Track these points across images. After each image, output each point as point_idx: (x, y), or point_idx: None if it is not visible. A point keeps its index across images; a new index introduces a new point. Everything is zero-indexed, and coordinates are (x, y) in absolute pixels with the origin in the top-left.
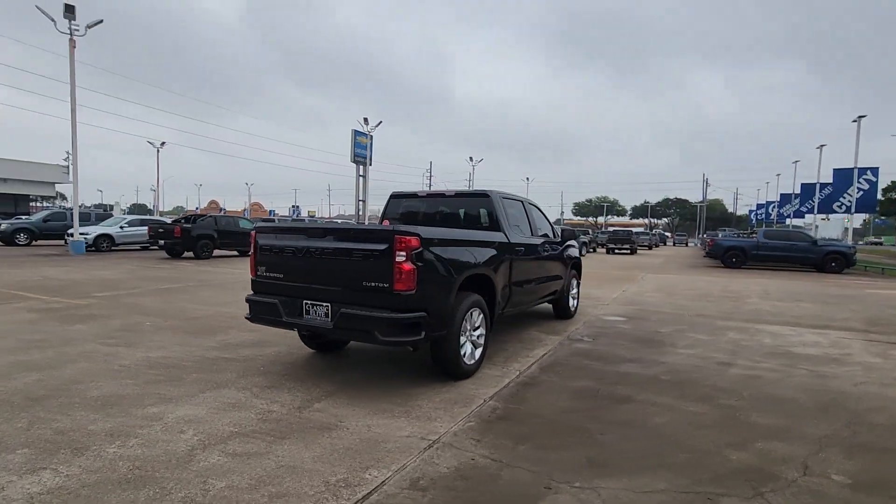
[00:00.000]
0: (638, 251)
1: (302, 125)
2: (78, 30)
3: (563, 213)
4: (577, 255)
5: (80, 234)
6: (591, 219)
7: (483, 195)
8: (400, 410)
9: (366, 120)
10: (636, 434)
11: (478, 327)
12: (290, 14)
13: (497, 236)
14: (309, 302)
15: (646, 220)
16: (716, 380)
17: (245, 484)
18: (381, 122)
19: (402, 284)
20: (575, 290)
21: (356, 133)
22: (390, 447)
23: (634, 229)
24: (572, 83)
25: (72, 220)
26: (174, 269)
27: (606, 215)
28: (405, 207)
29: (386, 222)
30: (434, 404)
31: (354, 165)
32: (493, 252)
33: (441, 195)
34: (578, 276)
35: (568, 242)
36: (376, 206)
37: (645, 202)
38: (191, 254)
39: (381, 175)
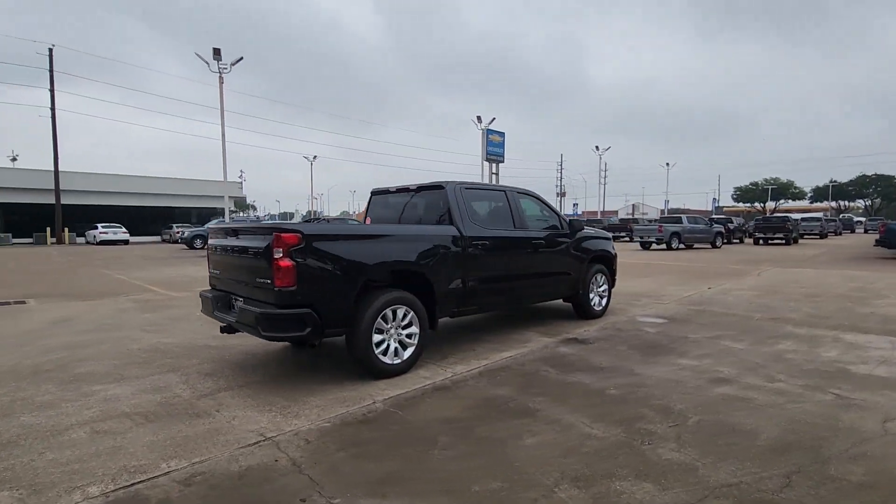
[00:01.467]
0: (801, 240)
1: (443, 129)
2: (225, 68)
3: (717, 198)
4: (603, 250)
5: None
6: (756, 204)
7: (438, 188)
8: (281, 405)
9: (479, 118)
10: (478, 454)
11: (407, 325)
12: (425, 27)
13: (445, 230)
14: (233, 297)
15: (831, 204)
16: (676, 399)
17: (67, 458)
18: (493, 118)
19: (281, 281)
20: (604, 287)
21: (488, 132)
22: (222, 440)
23: (808, 214)
24: (728, 51)
25: None
26: None
27: (777, 199)
28: (382, 204)
29: (368, 220)
30: (322, 402)
31: (488, 164)
32: (431, 246)
33: (406, 190)
34: (608, 273)
35: (584, 235)
36: None
37: (831, 181)
38: None
39: (513, 172)
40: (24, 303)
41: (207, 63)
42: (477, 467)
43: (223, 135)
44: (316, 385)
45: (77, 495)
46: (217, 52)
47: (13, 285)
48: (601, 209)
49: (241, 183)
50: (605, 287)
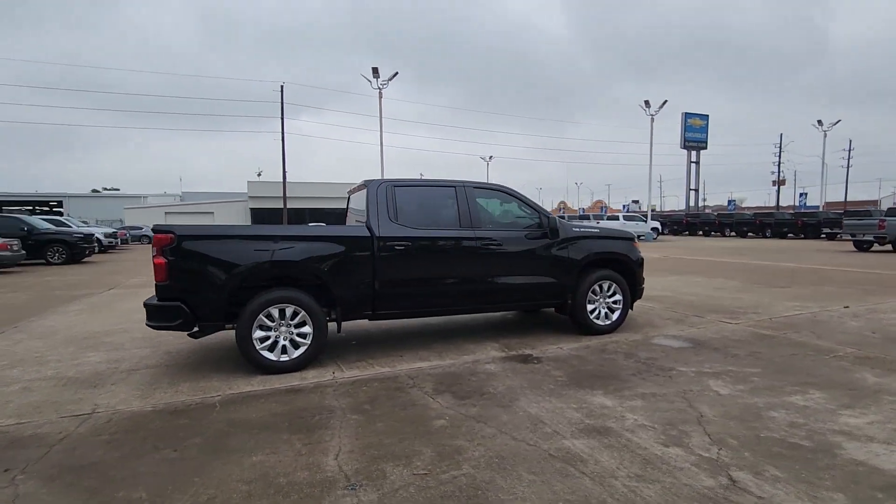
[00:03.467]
0: None
1: (643, 118)
2: (385, 85)
3: None
4: (610, 252)
5: None
6: None
7: (363, 187)
8: (143, 387)
9: (646, 103)
10: (185, 467)
11: (300, 325)
12: (615, 13)
13: (352, 230)
14: None
15: None
16: (486, 449)
17: None
18: (665, 101)
19: (156, 276)
20: (615, 298)
21: (687, 115)
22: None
23: None
24: None
25: None
26: None
27: None
28: (351, 204)
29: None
30: (182, 388)
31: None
32: (328, 247)
33: (355, 189)
34: (623, 280)
35: (575, 235)
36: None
37: None
38: None
39: (718, 160)
40: None
41: (370, 81)
42: (169, 478)
43: (381, 143)
44: (207, 372)
45: None
46: (375, 71)
47: None
48: (844, 198)
49: None
50: (617, 298)
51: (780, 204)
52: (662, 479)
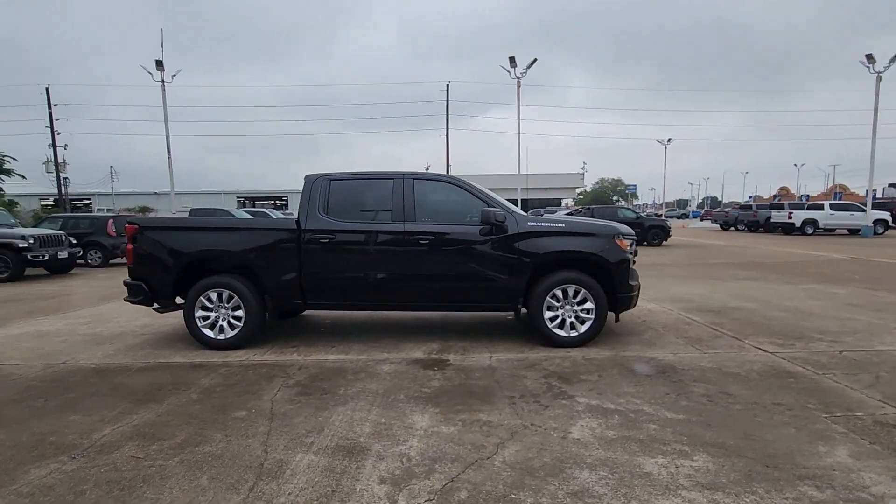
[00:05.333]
0: None
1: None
2: (523, 74)
3: None
4: (576, 251)
5: None
6: None
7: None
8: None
9: (869, 57)
10: None
11: (235, 308)
12: None
13: (282, 223)
14: None
15: None
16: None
17: None
18: None
19: (127, 260)
20: (586, 306)
21: None
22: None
23: None
24: None
25: None
26: None
27: None
28: None
29: None
30: (144, 353)
31: None
32: (259, 238)
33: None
34: (596, 285)
35: (527, 230)
36: None
37: None
38: None
39: None
40: None
41: (509, 72)
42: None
43: (518, 130)
44: (167, 346)
45: None
46: (512, 60)
47: None
48: None
49: (583, 174)
50: (588, 306)
51: None
52: None
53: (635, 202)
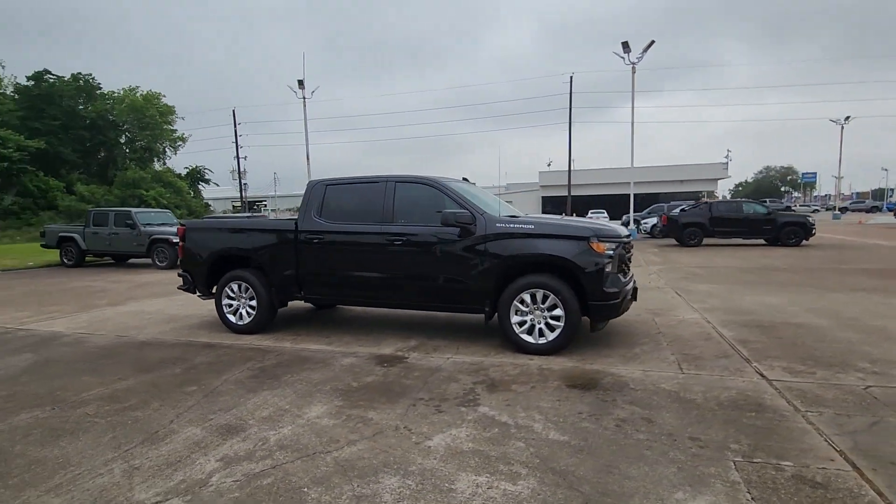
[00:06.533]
0: None
1: None
2: (639, 58)
3: None
4: (547, 255)
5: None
6: None
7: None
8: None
9: None
10: None
11: (251, 298)
12: None
13: (285, 224)
14: None
15: None
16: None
17: None
18: None
19: (179, 254)
20: (556, 312)
21: None
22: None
23: None
24: None
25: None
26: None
27: None
28: None
29: None
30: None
31: None
32: (267, 238)
33: None
34: (563, 291)
35: (497, 232)
36: None
37: None
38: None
39: None
40: None
41: (623, 57)
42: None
43: (632, 119)
44: (201, 329)
45: None
46: (625, 45)
47: None
48: None
49: (727, 164)
50: (558, 312)
51: None
52: None
53: (814, 193)
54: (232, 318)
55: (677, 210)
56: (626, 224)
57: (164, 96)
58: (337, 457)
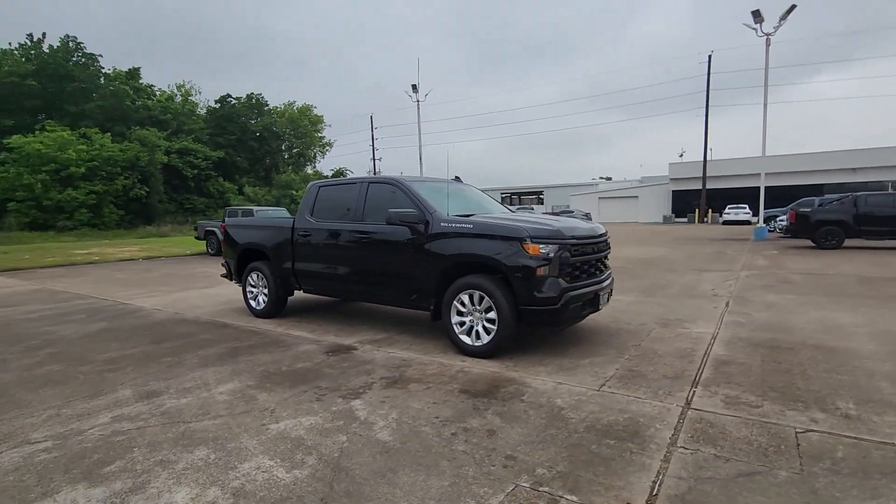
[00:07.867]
0: None
1: None
2: (776, 28)
3: None
4: (484, 256)
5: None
6: None
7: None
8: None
9: None
10: None
11: (265, 287)
12: None
13: (284, 222)
14: None
15: None
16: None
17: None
18: None
19: (222, 247)
20: (491, 315)
21: None
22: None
23: None
24: None
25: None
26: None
27: None
28: None
29: None
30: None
31: None
32: (273, 235)
33: None
34: (496, 293)
35: (440, 231)
36: None
37: None
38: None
39: None
40: None
41: (755, 29)
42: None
43: (765, 105)
44: (241, 315)
45: None
46: (756, 14)
47: None
48: None
49: None
50: (492, 315)
51: None
52: None
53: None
54: (253, 303)
55: (818, 204)
56: (767, 220)
57: (315, 107)
58: (190, 426)
